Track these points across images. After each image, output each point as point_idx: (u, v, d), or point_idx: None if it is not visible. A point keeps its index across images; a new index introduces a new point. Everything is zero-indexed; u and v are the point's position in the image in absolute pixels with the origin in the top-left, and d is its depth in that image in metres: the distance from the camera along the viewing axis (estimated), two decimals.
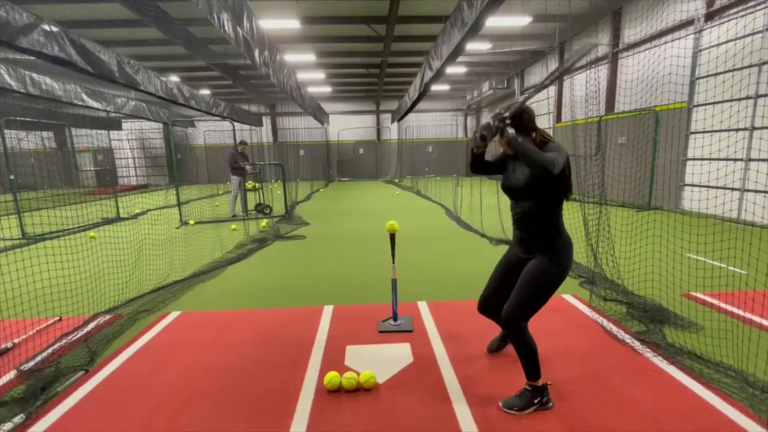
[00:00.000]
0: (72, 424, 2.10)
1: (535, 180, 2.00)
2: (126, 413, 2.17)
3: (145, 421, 2.09)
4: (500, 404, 2.12)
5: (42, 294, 3.24)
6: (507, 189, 2.18)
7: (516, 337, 2.06)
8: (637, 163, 8.60)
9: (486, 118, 21.20)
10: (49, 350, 2.79)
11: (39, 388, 2.31)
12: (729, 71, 6.74)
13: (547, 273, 2.04)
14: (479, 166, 2.25)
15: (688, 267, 3.78)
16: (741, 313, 3.07)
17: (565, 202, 2.12)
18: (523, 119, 2.02)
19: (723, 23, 6.95)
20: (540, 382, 2.11)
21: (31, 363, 2.61)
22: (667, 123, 8.09)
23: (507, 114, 1.92)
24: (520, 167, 2.11)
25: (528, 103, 2.03)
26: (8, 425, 2.02)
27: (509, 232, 6.06)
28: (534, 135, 2.07)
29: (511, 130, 1.89)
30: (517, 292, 2.07)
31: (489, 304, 2.38)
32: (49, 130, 17.73)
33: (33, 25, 4.48)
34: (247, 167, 8.70)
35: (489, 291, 2.38)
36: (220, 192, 15.03)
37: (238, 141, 8.82)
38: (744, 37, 6.50)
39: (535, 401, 2.09)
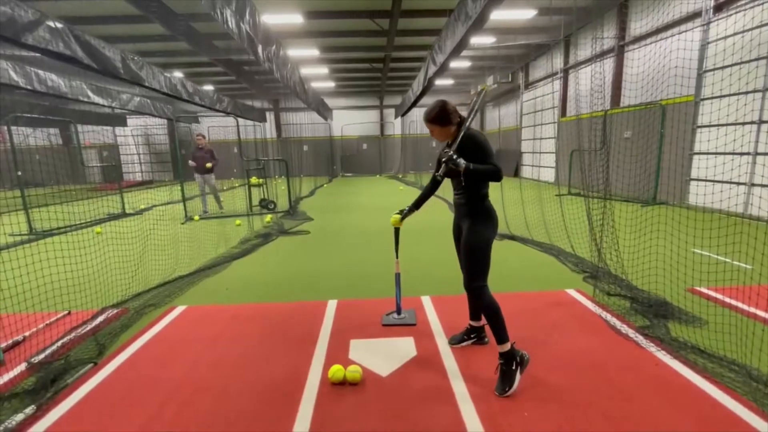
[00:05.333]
0: (81, 416, 2.14)
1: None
2: (133, 405, 2.20)
3: (152, 414, 2.13)
4: (495, 393, 2.17)
5: (51, 288, 3.29)
6: (443, 172, 2.34)
7: (479, 300, 2.29)
8: (642, 157, 8.53)
9: (490, 113, 21.10)
10: (59, 343, 2.84)
11: (49, 380, 2.35)
12: (737, 64, 6.65)
13: (477, 237, 2.31)
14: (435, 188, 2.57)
15: (693, 262, 3.76)
16: (746, 307, 3.06)
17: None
18: (449, 113, 2.32)
19: (731, 15, 6.85)
20: (508, 345, 2.21)
21: (41, 356, 2.66)
22: (673, 117, 8.00)
23: (452, 153, 2.20)
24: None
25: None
26: (20, 416, 2.06)
27: (513, 227, 6.07)
28: (459, 120, 2.36)
29: (462, 162, 2.17)
30: (463, 262, 2.35)
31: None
32: (55, 127, 17.85)
33: (38, 22, 4.50)
34: (207, 165, 8.32)
35: (460, 262, 2.53)
36: (224, 188, 15.09)
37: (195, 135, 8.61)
38: (752, 29, 6.40)
39: (514, 367, 2.19)
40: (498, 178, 2.23)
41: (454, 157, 2.16)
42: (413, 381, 2.36)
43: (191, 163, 8.42)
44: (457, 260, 2.56)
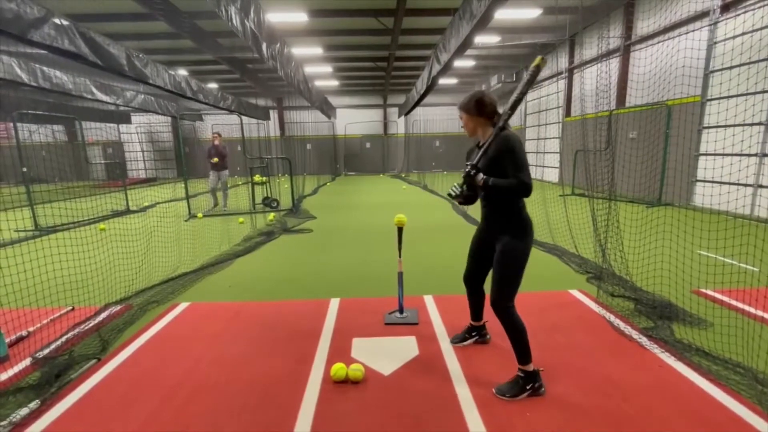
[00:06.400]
0: (85, 411, 2.15)
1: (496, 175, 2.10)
2: (137, 401, 2.21)
3: (154, 410, 2.14)
4: (493, 390, 2.16)
5: (55, 284, 3.31)
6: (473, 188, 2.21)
7: (505, 319, 2.16)
8: (648, 158, 8.48)
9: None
10: (63, 339, 2.86)
11: (53, 376, 2.36)
12: (744, 64, 6.59)
13: (515, 252, 2.13)
14: (473, 197, 2.31)
15: (698, 263, 3.73)
16: (751, 310, 3.03)
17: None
18: (485, 104, 2.15)
19: (739, 15, 6.79)
20: (531, 368, 2.15)
21: (46, 351, 2.68)
22: (679, 117, 7.95)
23: (470, 167, 2.10)
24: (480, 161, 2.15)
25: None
26: (24, 410, 2.07)
27: None
28: (495, 119, 2.17)
29: (480, 176, 2.06)
30: (494, 277, 2.18)
31: (471, 278, 2.55)
32: (60, 124, 17.96)
33: (44, 19, 4.52)
34: (214, 159, 8.59)
35: (467, 270, 2.55)
36: (228, 185, 15.12)
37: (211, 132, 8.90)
38: (761, 29, 6.34)
39: (527, 387, 2.13)
40: (523, 193, 2.01)
41: (471, 173, 2.06)
42: (415, 380, 2.35)
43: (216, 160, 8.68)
44: (464, 264, 2.53)
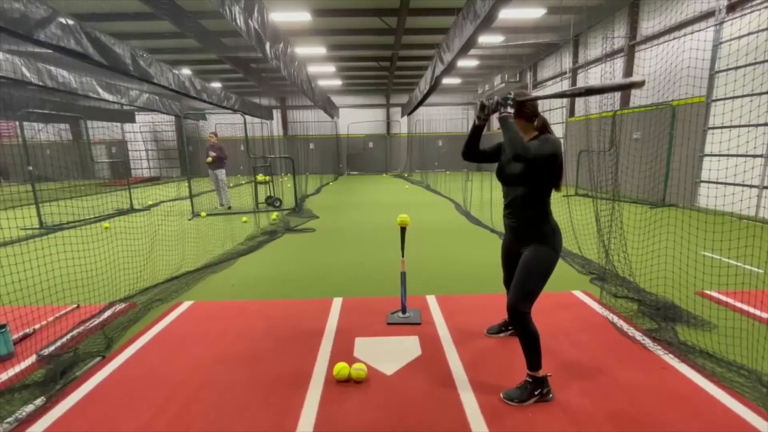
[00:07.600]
0: (90, 408, 2.17)
1: (528, 167, 2.07)
2: (140, 398, 2.23)
3: (158, 408, 2.15)
4: (501, 395, 2.15)
5: (60, 282, 3.34)
6: (500, 174, 2.25)
7: (520, 326, 2.12)
8: (652, 158, 8.43)
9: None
10: (68, 336, 2.88)
11: (58, 373, 2.38)
12: (750, 65, 6.54)
13: (539, 259, 2.12)
14: (472, 152, 2.31)
15: (702, 265, 3.71)
16: (756, 312, 3.02)
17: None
18: (525, 106, 2.10)
19: (745, 15, 6.74)
20: (540, 374, 2.13)
21: (51, 348, 2.70)
22: (684, 118, 7.90)
23: (512, 95, 2.02)
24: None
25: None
26: (30, 407, 2.09)
27: None
28: (535, 121, 2.14)
29: (510, 110, 1.99)
30: (515, 281, 2.15)
31: (508, 284, 2.56)
32: (66, 122, 18.06)
33: (49, 19, 4.55)
34: (208, 158, 8.91)
35: (505, 276, 2.57)
36: (231, 185, 15.17)
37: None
38: (767, 29, 6.30)
39: (536, 393, 2.12)
40: (520, 151, 1.92)
41: (510, 101, 1.96)
42: (418, 380, 2.36)
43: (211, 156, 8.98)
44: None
